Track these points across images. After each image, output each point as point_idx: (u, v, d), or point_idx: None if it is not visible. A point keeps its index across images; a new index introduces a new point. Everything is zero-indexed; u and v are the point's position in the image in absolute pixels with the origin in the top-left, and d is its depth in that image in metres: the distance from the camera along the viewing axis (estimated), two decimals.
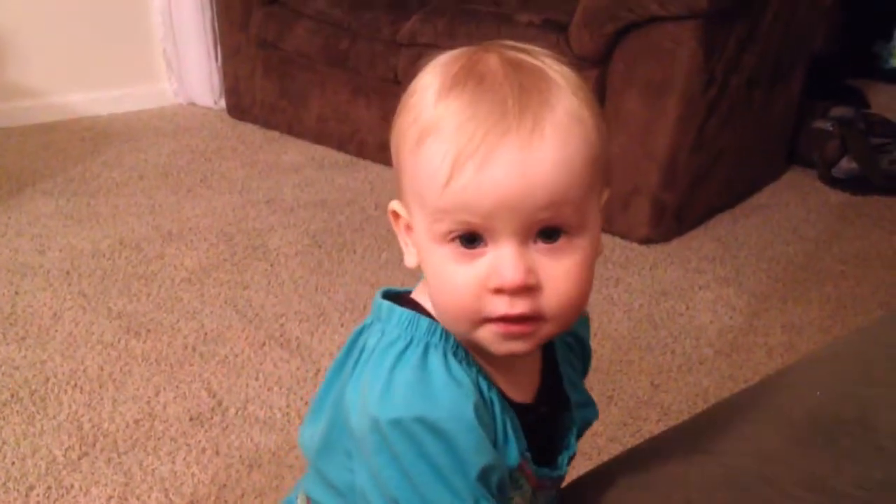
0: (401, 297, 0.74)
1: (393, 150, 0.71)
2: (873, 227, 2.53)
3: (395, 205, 0.72)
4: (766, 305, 2.09)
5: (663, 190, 2.34)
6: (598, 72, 2.33)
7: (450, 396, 0.66)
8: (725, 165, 2.49)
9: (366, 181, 2.74)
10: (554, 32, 2.39)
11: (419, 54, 2.62)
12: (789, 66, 2.65)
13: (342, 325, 1.94)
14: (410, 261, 0.72)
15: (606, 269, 2.25)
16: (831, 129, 2.90)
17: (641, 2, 2.18)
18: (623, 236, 2.40)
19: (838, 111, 3.03)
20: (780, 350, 1.90)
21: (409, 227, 0.71)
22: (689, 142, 2.32)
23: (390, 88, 2.73)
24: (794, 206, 2.65)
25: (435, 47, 2.66)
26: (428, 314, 0.71)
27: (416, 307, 0.72)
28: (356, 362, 0.71)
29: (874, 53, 3.96)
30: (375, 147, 2.83)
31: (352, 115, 2.88)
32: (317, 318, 1.96)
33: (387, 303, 0.73)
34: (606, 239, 2.39)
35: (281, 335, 1.89)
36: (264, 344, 1.86)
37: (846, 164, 2.81)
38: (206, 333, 1.89)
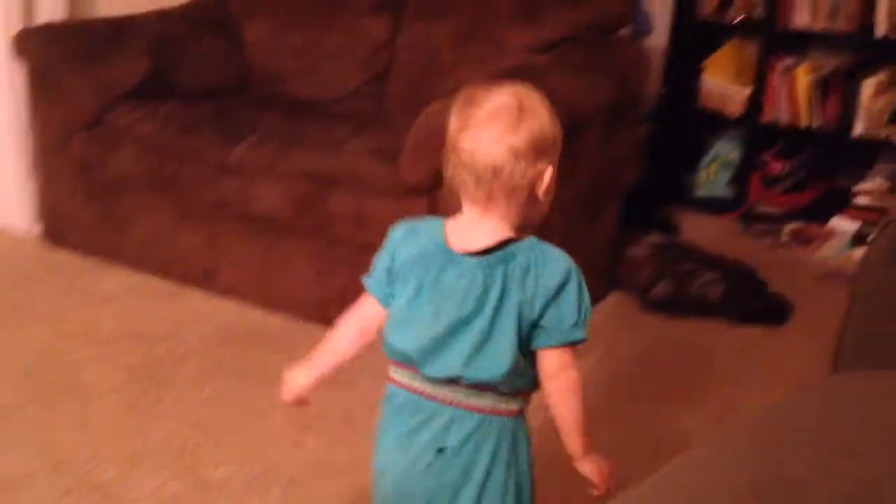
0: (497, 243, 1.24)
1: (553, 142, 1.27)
2: (687, 347, 2.65)
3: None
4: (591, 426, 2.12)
5: None
6: (428, 201, 2.37)
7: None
8: None
9: (190, 310, 2.65)
10: (384, 161, 2.43)
11: (250, 180, 2.61)
12: (607, 198, 2.79)
13: (159, 468, 1.81)
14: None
15: None
16: (647, 255, 3.06)
17: None
18: None
19: (653, 238, 3.21)
20: None
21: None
22: None
23: (218, 214, 2.68)
24: (616, 331, 2.74)
25: (266, 173, 2.66)
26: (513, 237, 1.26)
27: (507, 240, 1.24)
28: (540, 257, 1.24)
29: (683, 183, 4.25)
30: (201, 274, 2.75)
31: (177, 240, 2.79)
32: (130, 462, 1.83)
33: (527, 241, 1.26)
34: None
35: (89, 481, 1.75)
36: (70, 491, 1.71)
37: (661, 289, 2.95)
38: (5, 481, 1.73)
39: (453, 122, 1.24)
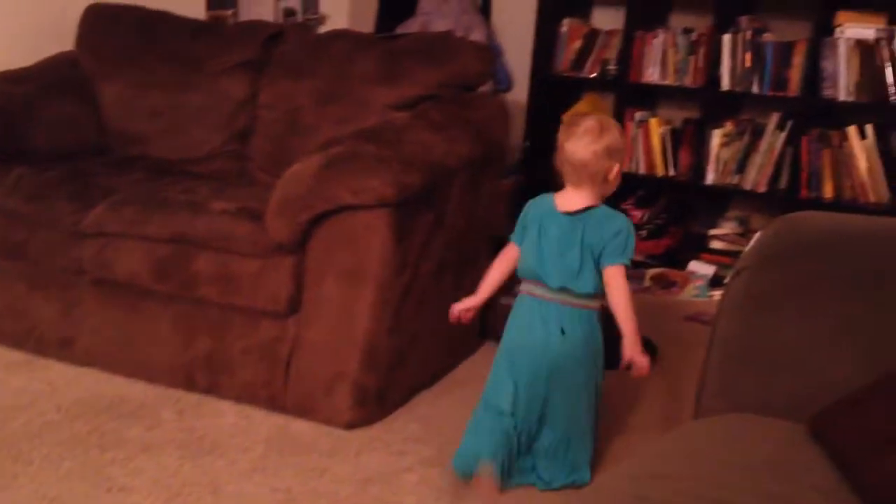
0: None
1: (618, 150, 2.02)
2: None
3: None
4: (468, 484, 2.11)
5: (364, 374, 2.34)
6: (296, 259, 2.34)
7: None
8: (423, 346, 2.56)
9: (45, 381, 2.51)
10: (249, 221, 2.39)
11: (107, 244, 2.52)
12: (475, 250, 2.81)
13: None
14: None
15: (311, 458, 2.18)
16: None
17: (334, 191, 2.25)
18: (327, 422, 2.36)
19: (519, 288, 3.25)
20: None
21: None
22: (387, 326, 2.36)
23: (74, 280, 2.57)
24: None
25: (126, 236, 2.55)
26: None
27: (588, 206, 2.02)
28: (605, 216, 2.01)
29: None
30: (56, 343, 2.62)
31: (29, 310, 2.65)
32: None
33: (601, 207, 2.03)
34: (309, 427, 2.34)
35: None
36: None
37: None
38: None
39: (561, 136, 2.04)
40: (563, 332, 2.04)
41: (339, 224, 2.29)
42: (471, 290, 2.86)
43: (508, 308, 3.11)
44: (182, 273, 2.43)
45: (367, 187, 2.23)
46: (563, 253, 2.02)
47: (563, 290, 2.04)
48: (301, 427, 2.35)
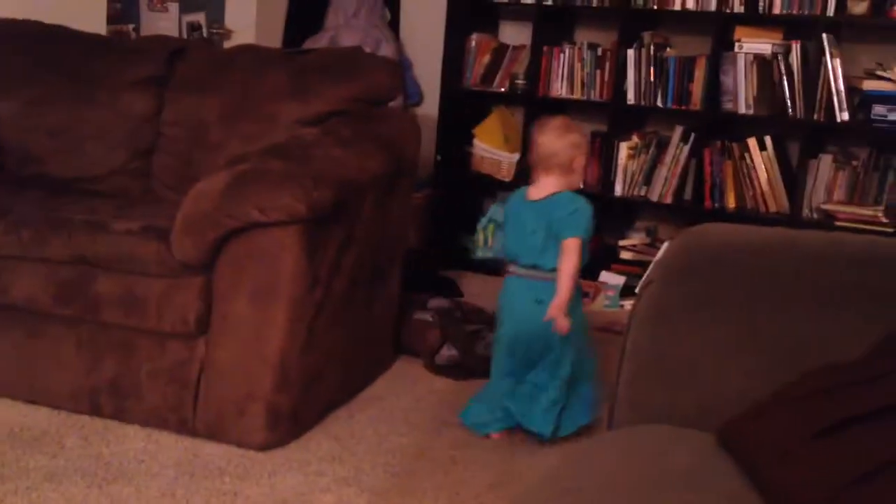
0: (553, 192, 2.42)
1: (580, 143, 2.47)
2: None
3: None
4: (385, 501, 2.10)
5: (277, 393, 2.30)
6: (204, 279, 2.29)
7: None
8: (336, 363, 2.53)
9: None
10: (154, 240, 2.32)
11: (4, 267, 2.42)
12: (388, 264, 2.80)
13: None
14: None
15: (223, 482, 2.13)
16: (431, 319, 3.10)
17: (242, 208, 2.21)
18: (239, 444, 2.30)
19: (436, 302, 3.26)
20: None
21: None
22: (300, 343, 2.32)
23: None
24: (404, 396, 2.74)
25: (23, 259, 2.44)
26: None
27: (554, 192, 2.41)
28: (566, 199, 2.39)
29: (462, 246, 4.36)
30: None
31: None
32: None
33: (564, 192, 2.41)
34: (220, 450, 2.29)
35: None
36: None
37: (447, 352, 2.99)
38: None
39: (535, 133, 2.48)
40: (539, 302, 2.37)
41: (248, 242, 2.25)
42: (384, 303, 2.86)
43: (422, 323, 3.12)
44: (84, 296, 2.35)
45: (276, 204, 2.19)
46: (532, 233, 2.40)
47: (533, 266, 2.41)
48: (212, 450, 2.29)
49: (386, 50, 4.32)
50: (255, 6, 4.21)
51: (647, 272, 1.45)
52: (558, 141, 2.41)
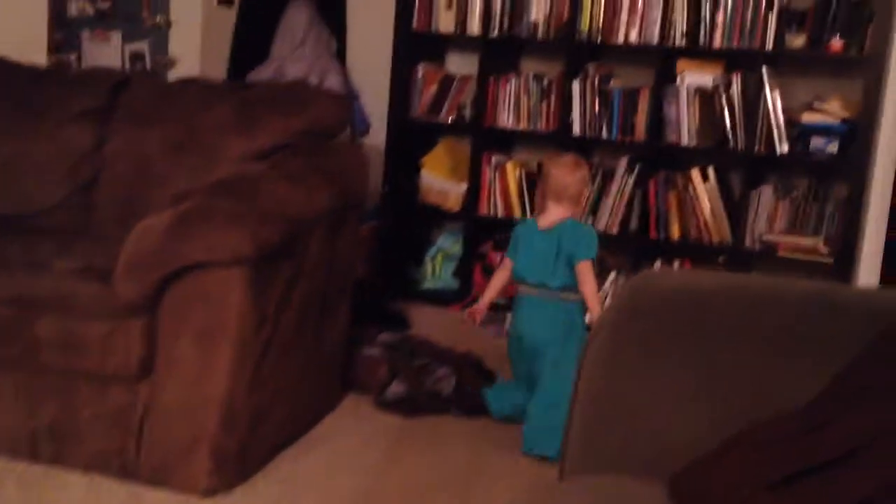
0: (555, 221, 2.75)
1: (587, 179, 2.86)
2: (426, 447, 2.66)
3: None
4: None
5: (223, 436, 2.25)
6: (147, 319, 2.24)
7: None
8: (284, 402, 2.49)
9: None
10: (96, 280, 2.27)
11: None
12: (336, 299, 2.77)
13: None
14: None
15: None
16: (380, 354, 3.07)
17: (187, 249, 2.17)
18: (184, 490, 2.25)
19: (385, 337, 3.23)
20: None
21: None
22: (246, 384, 2.28)
23: None
24: (353, 435, 2.71)
25: None
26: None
27: (564, 219, 2.74)
28: (573, 226, 2.72)
29: (411, 277, 4.35)
30: None
31: None
32: None
33: (571, 220, 2.74)
34: (165, 495, 2.23)
35: None
36: None
37: (396, 388, 2.96)
38: None
39: (548, 166, 2.84)
40: (547, 320, 2.70)
41: (192, 282, 2.21)
42: (332, 339, 2.83)
43: (371, 359, 3.10)
44: (23, 338, 2.28)
45: (222, 244, 2.16)
46: (544, 257, 2.70)
47: (541, 285, 2.70)
48: (156, 497, 2.23)
49: (333, 80, 4.31)
50: (199, 35, 4.17)
51: (599, 317, 1.45)
52: (570, 175, 2.73)
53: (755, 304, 1.39)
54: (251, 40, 4.37)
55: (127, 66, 4.05)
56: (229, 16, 4.34)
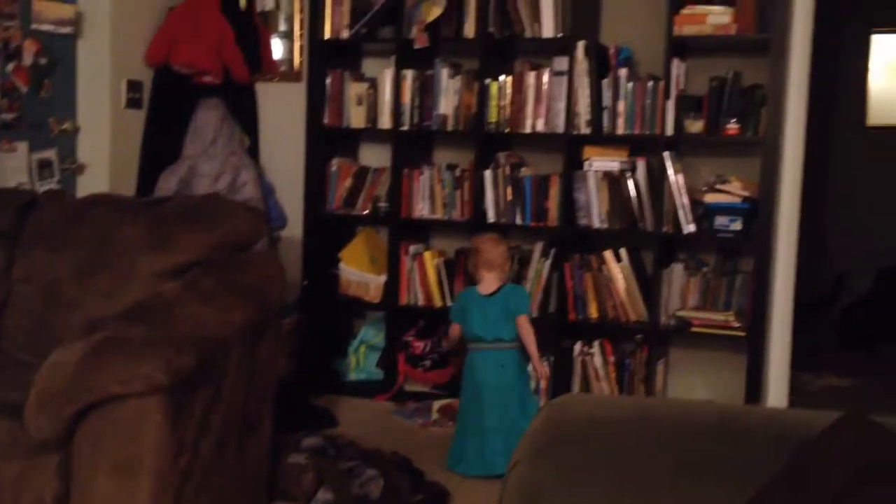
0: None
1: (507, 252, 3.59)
2: None
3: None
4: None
5: None
6: (61, 456, 2.18)
7: None
8: None
9: None
10: (6, 418, 2.20)
11: None
12: (258, 413, 2.74)
13: None
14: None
15: None
16: (305, 462, 3.03)
17: (100, 382, 2.12)
18: None
19: (309, 442, 3.20)
20: None
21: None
22: None
23: None
24: None
25: None
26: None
27: (501, 285, 3.46)
28: (512, 289, 3.48)
29: (335, 370, 4.32)
30: None
31: None
32: None
33: (508, 284, 3.50)
34: None
35: None
36: None
37: (323, 496, 2.93)
38: None
39: (477, 244, 3.48)
40: (502, 366, 3.32)
41: (107, 414, 2.16)
42: (256, 454, 2.78)
43: (296, 467, 3.05)
44: None
45: (136, 375, 2.12)
46: (495, 318, 3.34)
47: (499, 339, 3.33)
48: None
49: (245, 176, 4.31)
50: (108, 139, 4.13)
51: (514, 451, 1.47)
52: (495, 249, 3.42)
53: (662, 431, 1.43)
54: (162, 141, 4.34)
55: (35, 174, 3.98)
56: (138, 117, 4.31)
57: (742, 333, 3.69)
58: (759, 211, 3.65)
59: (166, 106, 4.36)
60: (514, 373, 3.34)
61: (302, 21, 4.46)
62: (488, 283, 3.39)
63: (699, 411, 1.45)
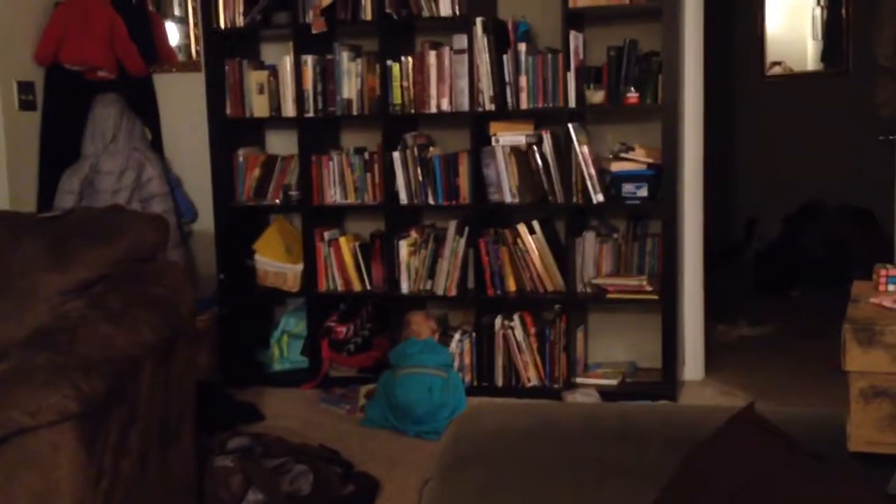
0: None
1: None
2: None
3: None
4: None
5: None
6: None
7: None
8: None
9: None
10: None
11: None
12: (178, 423, 2.71)
13: None
14: None
15: None
16: (232, 464, 3.02)
17: (7, 415, 2.07)
18: None
19: (235, 442, 3.17)
20: None
21: None
22: None
23: None
24: None
25: None
26: None
27: None
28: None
29: (258, 362, 4.29)
30: None
31: None
32: None
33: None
34: None
35: None
36: None
37: (253, 497, 2.92)
38: None
39: (408, 315, 3.96)
40: (429, 390, 3.60)
41: (20, 447, 2.11)
42: (179, 463, 2.76)
43: (223, 470, 3.04)
44: None
45: (45, 405, 2.07)
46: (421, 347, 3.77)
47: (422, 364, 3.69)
48: None
49: (151, 171, 4.22)
50: (3, 143, 4.00)
51: (427, 470, 1.50)
52: (424, 323, 3.93)
53: (570, 438, 1.47)
54: (60, 142, 4.22)
55: None
56: (33, 119, 4.18)
57: (656, 297, 3.78)
58: (662, 176, 3.72)
59: (62, 105, 4.24)
60: (441, 395, 3.64)
61: (195, 9, 4.35)
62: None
63: (601, 415, 1.49)
